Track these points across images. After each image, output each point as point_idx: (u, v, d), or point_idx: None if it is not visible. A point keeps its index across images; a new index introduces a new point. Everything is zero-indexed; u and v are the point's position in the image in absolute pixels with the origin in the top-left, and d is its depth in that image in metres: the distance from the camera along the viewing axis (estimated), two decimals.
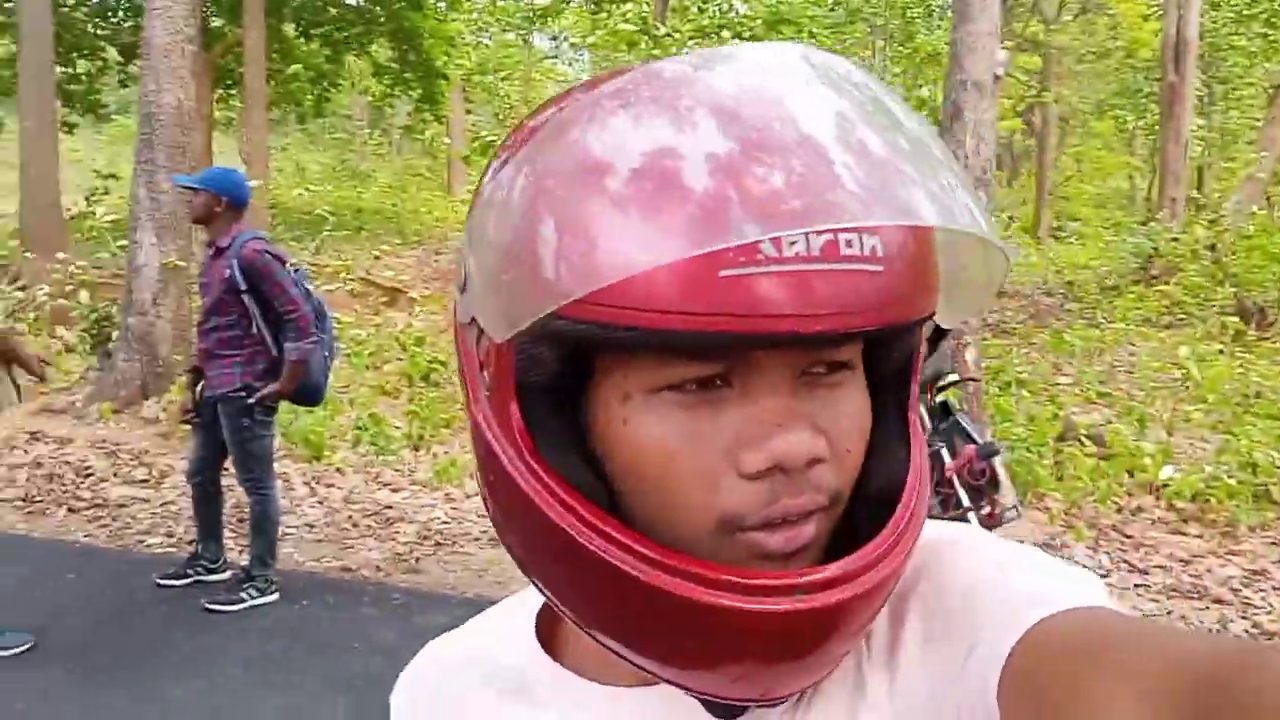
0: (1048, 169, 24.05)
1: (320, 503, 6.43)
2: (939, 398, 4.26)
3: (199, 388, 4.73)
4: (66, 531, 5.81)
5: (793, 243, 0.49)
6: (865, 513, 0.58)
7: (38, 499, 6.26)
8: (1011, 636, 0.52)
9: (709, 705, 0.59)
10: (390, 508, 6.34)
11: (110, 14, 22.55)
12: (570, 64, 30.56)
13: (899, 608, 0.60)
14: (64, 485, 6.46)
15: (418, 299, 12.98)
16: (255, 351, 4.60)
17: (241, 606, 4.68)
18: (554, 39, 19.76)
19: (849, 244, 0.50)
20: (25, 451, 6.97)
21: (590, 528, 0.54)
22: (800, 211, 0.45)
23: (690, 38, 13.18)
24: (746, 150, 0.46)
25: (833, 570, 0.53)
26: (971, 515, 3.99)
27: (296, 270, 4.84)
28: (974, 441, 4.08)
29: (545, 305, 0.48)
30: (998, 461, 4.10)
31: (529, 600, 0.72)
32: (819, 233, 0.49)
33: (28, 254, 12.02)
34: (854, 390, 0.57)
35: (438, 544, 5.76)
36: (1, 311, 10.24)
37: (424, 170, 28.86)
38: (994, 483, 4.09)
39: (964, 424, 4.15)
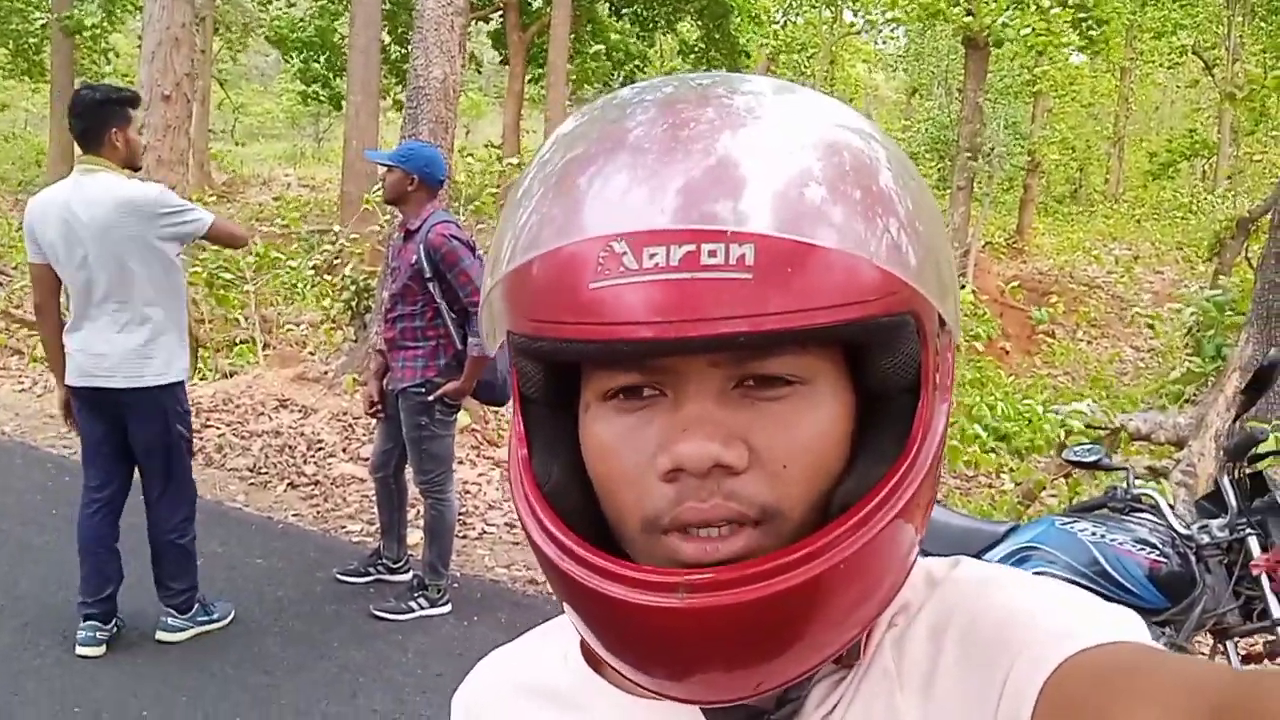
0: None
1: None
2: (1254, 467, 3.19)
3: (385, 379, 4.42)
4: (279, 508, 5.78)
5: (652, 255, 0.52)
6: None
7: (264, 470, 6.31)
8: (1045, 668, 0.54)
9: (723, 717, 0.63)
10: None
11: None
12: (885, 42, 29.16)
13: (937, 637, 0.62)
14: (292, 458, 6.48)
15: None
16: (439, 344, 4.22)
17: (409, 617, 4.35)
18: (857, 14, 18.70)
19: (712, 254, 0.52)
20: (270, 418, 7.10)
21: (535, 519, 0.61)
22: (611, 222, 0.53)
23: (1005, 7, 11.84)
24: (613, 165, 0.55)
25: (720, 572, 0.54)
26: None
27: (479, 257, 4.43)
28: None
29: (487, 297, 0.61)
30: None
31: None
32: (680, 245, 0.52)
33: (336, 227, 12.67)
34: (804, 406, 0.57)
35: None
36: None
37: None
38: None
39: None
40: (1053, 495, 7.26)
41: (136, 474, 3.94)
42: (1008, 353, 15.15)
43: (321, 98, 22.74)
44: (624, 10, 22.44)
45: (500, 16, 22.38)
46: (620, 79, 23.42)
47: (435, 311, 4.18)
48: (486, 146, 23.52)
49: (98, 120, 3.72)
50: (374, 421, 4.76)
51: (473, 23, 24.61)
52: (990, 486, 8.33)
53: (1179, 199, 25.05)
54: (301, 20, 22.08)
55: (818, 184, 0.54)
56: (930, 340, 0.60)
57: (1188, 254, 19.49)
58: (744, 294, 0.52)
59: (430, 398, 4.18)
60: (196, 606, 4.08)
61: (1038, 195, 22.68)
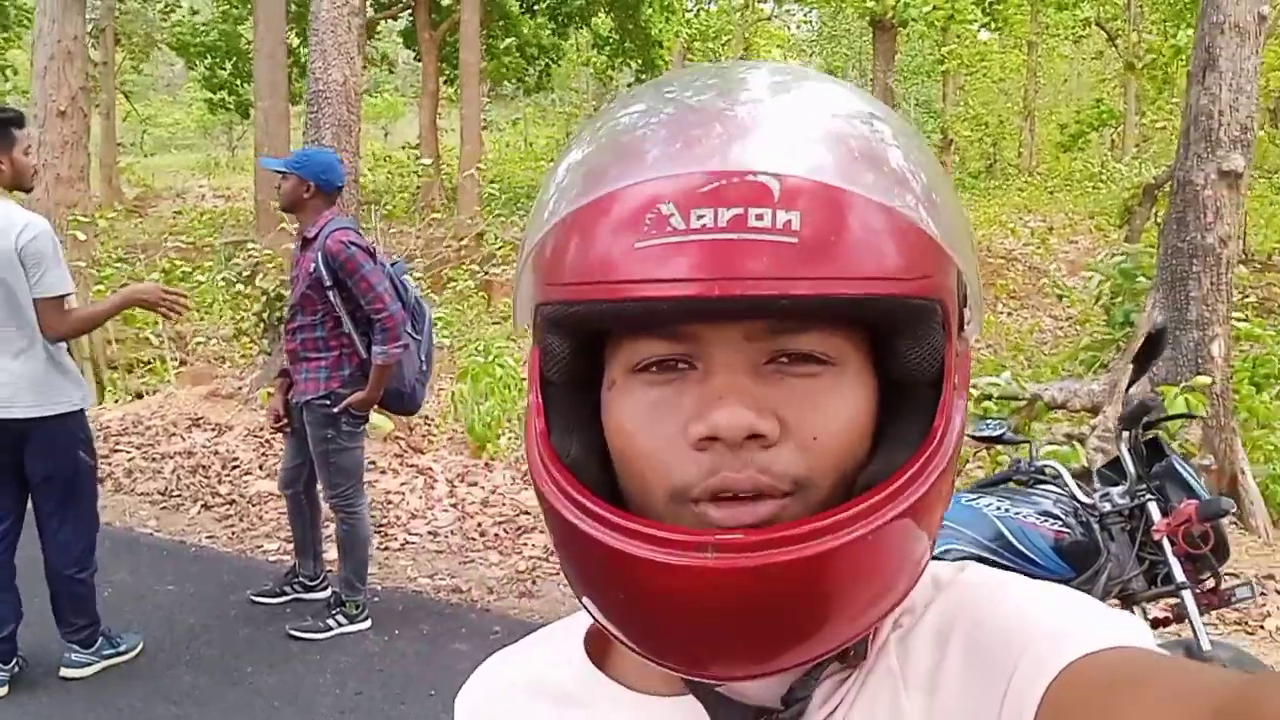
0: None
1: (455, 505, 5.99)
2: (1148, 434, 3.23)
3: (290, 392, 4.30)
4: (192, 531, 5.62)
5: (700, 216, 0.53)
6: None
7: (175, 494, 6.13)
8: (1049, 672, 0.54)
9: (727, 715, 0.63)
10: (527, 513, 5.82)
11: None
12: (798, 26, 29.35)
13: (942, 638, 0.62)
14: (206, 478, 6.31)
15: None
16: (343, 354, 4.13)
17: (327, 635, 4.25)
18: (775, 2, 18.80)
19: (759, 218, 0.53)
20: (183, 438, 6.92)
21: (556, 486, 0.60)
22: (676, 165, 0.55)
23: None
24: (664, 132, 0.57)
25: (749, 533, 0.54)
26: (1186, 594, 2.98)
27: (394, 264, 4.33)
28: (1195, 495, 3.05)
29: (522, 269, 0.63)
30: (1225, 523, 3.06)
31: (583, 618, 0.74)
32: (729, 208, 0.53)
33: (252, 237, 12.36)
34: (834, 385, 0.58)
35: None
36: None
37: None
38: (1220, 550, 3.05)
39: (1181, 470, 3.11)
40: (979, 468, 7.36)
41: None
42: None
43: (229, 105, 22.26)
44: (536, 5, 22.27)
45: (410, 15, 22.08)
46: (535, 74, 23.26)
47: (336, 321, 4.08)
48: (404, 148, 23.29)
49: None
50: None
51: (383, 21, 24.25)
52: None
53: (1090, 169, 25.57)
54: (204, 26, 21.57)
55: (870, 155, 0.57)
56: (954, 334, 0.60)
57: (1099, 223, 19.90)
58: (789, 258, 0.53)
59: (335, 409, 4.08)
60: (101, 640, 3.94)
61: (953, 172, 23.01)
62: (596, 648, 0.73)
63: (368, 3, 22.87)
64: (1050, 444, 5.83)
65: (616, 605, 0.60)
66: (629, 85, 24.04)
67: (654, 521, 0.56)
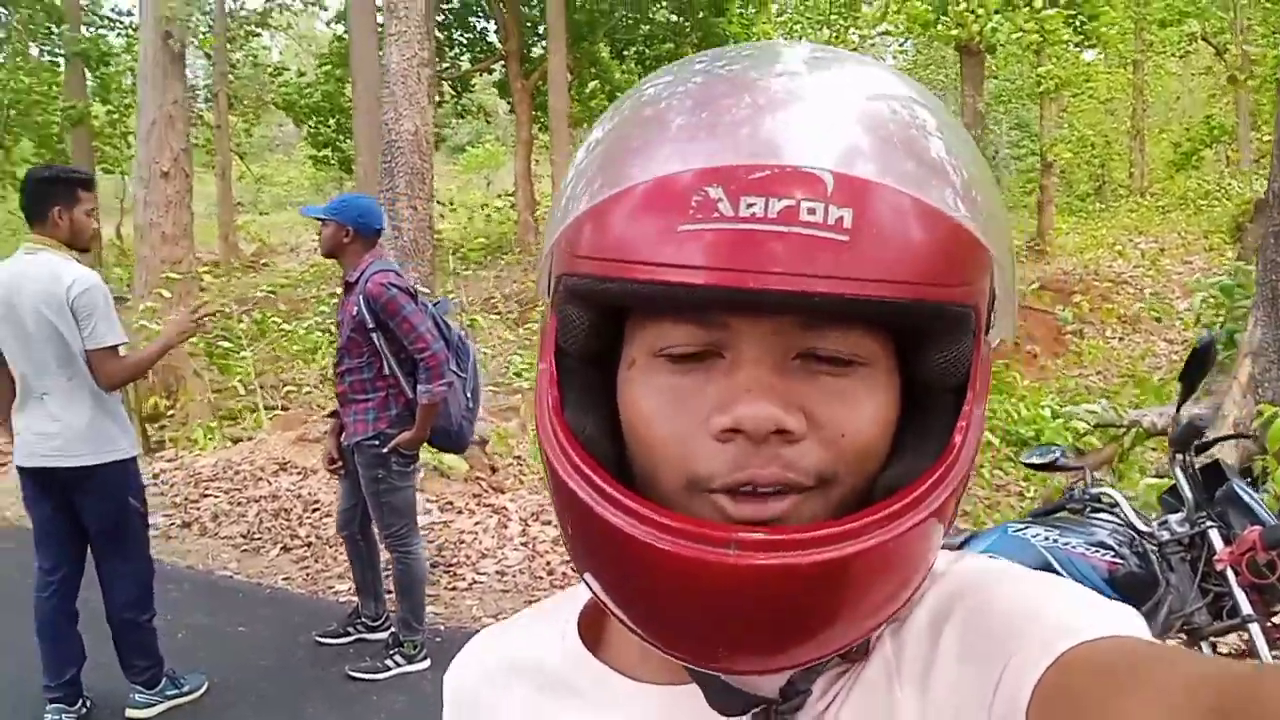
0: None
1: (526, 544, 5.99)
2: (1204, 456, 3.02)
3: (342, 435, 4.36)
4: (270, 573, 5.73)
5: (750, 204, 0.51)
6: None
7: (257, 537, 6.28)
8: (1044, 661, 0.54)
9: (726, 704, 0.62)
10: None
11: (443, 53, 23.94)
12: (894, 57, 29.06)
13: (936, 629, 0.61)
14: (286, 521, 6.45)
15: None
16: (389, 395, 4.17)
17: (385, 675, 4.27)
18: (850, 30, 18.69)
19: (811, 211, 0.51)
20: (269, 483, 7.09)
21: (568, 461, 0.58)
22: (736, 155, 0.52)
23: (993, 11, 11.72)
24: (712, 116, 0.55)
25: (773, 531, 0.54)
26: (1254, 627, 2.76)
27: (436, 304, 4.38)
28: (1259, 521, 2.83)
29: (554, 240, 0.61)
30: None
31: (579, 595, 0.72)
32: (780, 198, 0.51)
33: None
34: (861, 386, 0.57)
35: None
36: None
37: None
38: None
39: (1245, 495, 2.89)
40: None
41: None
42: (1035, 356, 14.86)
43: (332, 161, 23.05)
44: (625, 51, 22.58)
45: (503, 67, 22.61)
46: None
47: (382, 362, 4.13)
48: (500, 196, 23.78)
49: (41, 198, 3.73)
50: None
51: (478, 75, 24.89)
52: (1022, 495, 8.12)
53: (1204, 187, 24.58)
54: (308, 87, 22.44)
55: (926, 156, 0.55)
56: (981, 339, 0.59)
57: (1213, 242, 19.08)
58: (839, 256, 0.51)
59: (385, 450, 4.12)
60: (164, 680, 4.02)
61: (1057, 195, 22.36)
62: (590, 629, 0.72)
63: (443, 53, 23.54)
64: (1155, 477, 5.50)
65: (626, 590, 0.59)
66: None
67: (674, 513, 0.55)
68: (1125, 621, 0.57)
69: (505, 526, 6.24)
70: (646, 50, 22.25)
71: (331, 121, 22.32)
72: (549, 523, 6.34)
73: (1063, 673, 0.53)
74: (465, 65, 24.26)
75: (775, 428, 0.54)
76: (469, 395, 4.32)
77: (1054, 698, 0.52)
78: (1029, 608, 0.59)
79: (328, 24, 23.52)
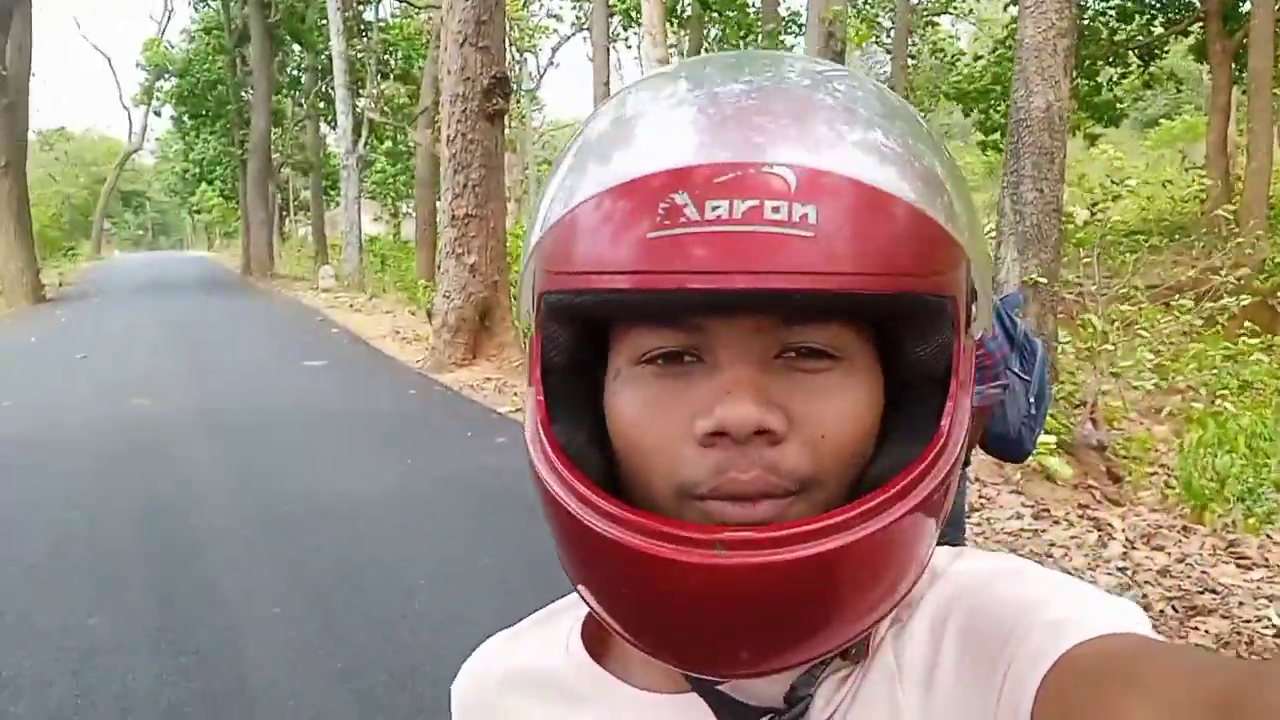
0: None
1: (1125, 569, 5.27)
2: None
3: None
4: None
5: (715, 207, 0.52)
6: None
7: None
8: (1047, 660, 0.53)
9: (731, 714, 0.63)
10: (1213, 592, 4.89)
11: (1130, 18, 22.17)
12: None
13: (937, 631, 0.61)
14: None
15: None
16: None
17: None
18: None
19: (775, 210, 0.52)
20: None
21: (554, 473, 0.58)
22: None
23: None
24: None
25: (758, 530, 0.53)
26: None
27: (1005, 298, 4.01)
28: None
29: (526, 263, 0.61)
30: None
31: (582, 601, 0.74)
32: (744, 199, 0.52)
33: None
34: (843, 381, 0.57)
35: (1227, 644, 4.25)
36: None
37: None
38: None
39: None
40: None
41: None
42: None
43: (1000, 146, 22.64)
44: None
45: (1200, 28, 20.20)
46: None
47: None
48: (1188, 169, 21.33)
49: None
50: None
51: (1172, 39, 22.54)
52: None
53: None
54: (981, 72, 22.23)
55: (887, 150, 0.56)
56: (961, 331, 0.59)
57: None
58: (806, 252, 0.52)
59: None
60: None
61: None
62: (594, 638, 0.72)
63: (1129, 18, 21.50)
64: None
65: (619, 600, 0.59)
66: None
67: (661, 517, 0.55)
68: (1125, 617, 0.56)
69: (1105, 546, 5.57)
70: None
71: (1002, 106, 21.87)
72: (1160, 548, 5.54)
73: (1065, 673, 0.52)
74: (1157, 29, 22.15)
75: (757, 427, 0.54)
76: (1031, 400, 3.91)
77: (1057, 697, 0.51)
78: (1029, 606, 0.57)
79: (1003, 7, 23.02)
